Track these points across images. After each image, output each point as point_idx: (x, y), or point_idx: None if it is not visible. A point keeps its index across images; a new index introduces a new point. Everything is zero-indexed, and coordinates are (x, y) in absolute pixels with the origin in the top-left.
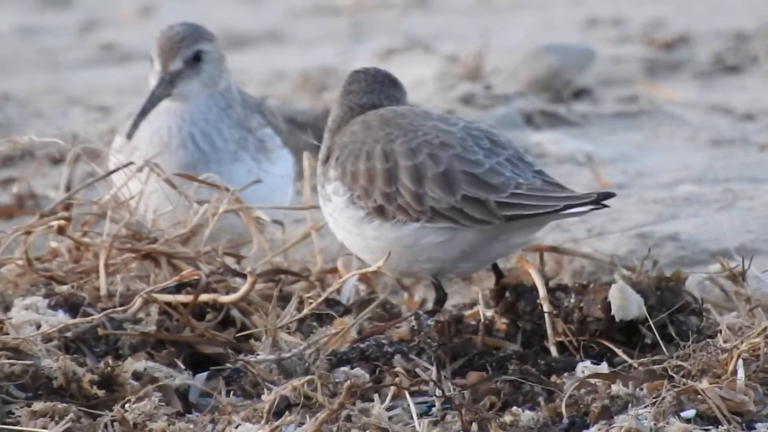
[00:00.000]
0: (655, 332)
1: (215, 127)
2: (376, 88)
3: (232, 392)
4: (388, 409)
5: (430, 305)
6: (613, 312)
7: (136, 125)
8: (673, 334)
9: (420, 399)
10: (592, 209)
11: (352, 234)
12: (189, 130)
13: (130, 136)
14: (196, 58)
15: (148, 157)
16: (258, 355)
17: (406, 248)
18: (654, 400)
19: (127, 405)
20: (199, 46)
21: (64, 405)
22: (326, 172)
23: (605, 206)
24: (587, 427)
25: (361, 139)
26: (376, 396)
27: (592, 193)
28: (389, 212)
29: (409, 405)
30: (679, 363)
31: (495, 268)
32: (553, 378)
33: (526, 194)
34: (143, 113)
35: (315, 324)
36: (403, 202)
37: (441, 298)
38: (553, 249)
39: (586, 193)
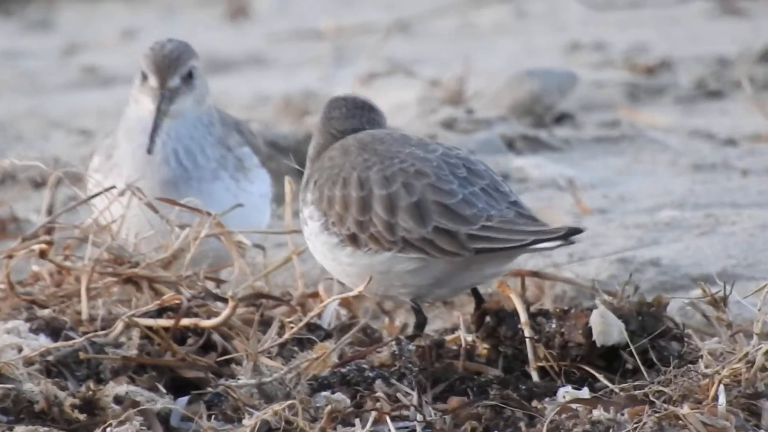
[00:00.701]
0: (636, 357)
1: (199, 144)
2: (357, 113)
3: (213, 416)
4: None
5: (410, 330)
6: (594, 337)
7: (153, 140)
8: (655, 360)
9: (401, 424)
10: (560, 245)
11: (327, 258)
12: (173, 147)
13: (150, 151)
14: (189, 75)
15: (130, 178)
16: (239, 379)
17: (380, 274)
18: (635, 425)
19: (108, 429)
20: (191, 62)
21: (46, 429)
22: (304, 196)
23: (572, 242)
24: None
25: (339, 164)
26: (357, 421)
27: (562, 228)
28: (362, 240)
29: (390, 430)
30: (661, 388)
31: (475, 293)
32: (534, 403)
33: (496, 227)
34: (157, 127)
35: (296, 348)
36: (376, 232)
37: (420, 322)
38: (534, 274)
39: (556, 228)
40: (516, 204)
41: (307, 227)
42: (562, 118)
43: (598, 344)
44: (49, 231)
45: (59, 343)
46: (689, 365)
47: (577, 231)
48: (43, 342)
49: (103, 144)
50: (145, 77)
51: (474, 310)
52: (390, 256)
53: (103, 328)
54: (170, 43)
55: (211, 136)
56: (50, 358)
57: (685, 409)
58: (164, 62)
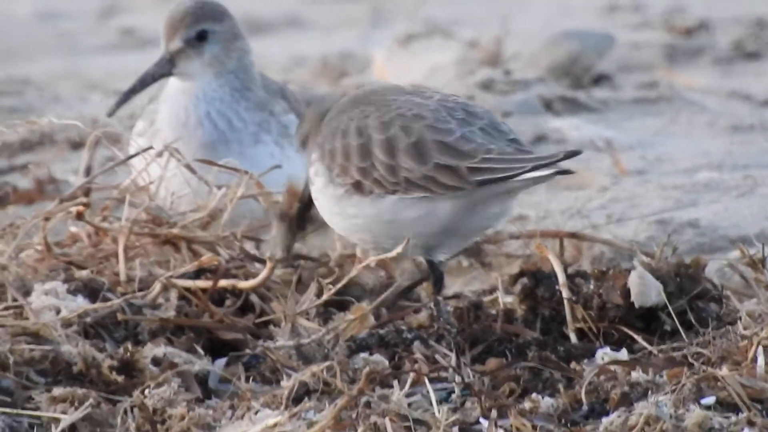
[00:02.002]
0: (675, 319)
1: (231, 107)
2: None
3: (251, 378)
4: (408, 395)
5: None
6: (632, 298)
7: (119, 103)
8: (693, 321)
9: (439, 385)
10: (559, 172)
11: (334, 213)
12: (205, 109)
13: (110, 114)
14: (200, 38)
15: (169, 141)
16: (277, 341)
17: (387, 224)
18: (674, 387)
19: (146, 391)
20: (202, 25)
21: (84, 390)
22: (309, 158)
23: (570, 172)
24: (607, 413)
25: (336, 120)
26: (395, 382)
27: (559, 153)
28: (366, 187)
29: (428, 391)
30: (699, 350)
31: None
32: (573, 365)
33: (496, 158)
34: (131, 91)
35: (334, 310)
36: (378, 176)
37: (438, 277)
38: (573, 235)
39: (553, 154)
40: (515, 141)
41: (314, 186)
42: (599, 80)
43: (637, 305)
44: (87, 192)
45: (97, 305)
46: (728, 327)
47: (575, 153)
48: (81, 303)
49: (147, 109)
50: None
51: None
52: (395, 200)
53: (140, 290)
54: (186, 4)
55: (246, 101)
56: (88, 319)
57: (723, 371)
58: (167, 23)
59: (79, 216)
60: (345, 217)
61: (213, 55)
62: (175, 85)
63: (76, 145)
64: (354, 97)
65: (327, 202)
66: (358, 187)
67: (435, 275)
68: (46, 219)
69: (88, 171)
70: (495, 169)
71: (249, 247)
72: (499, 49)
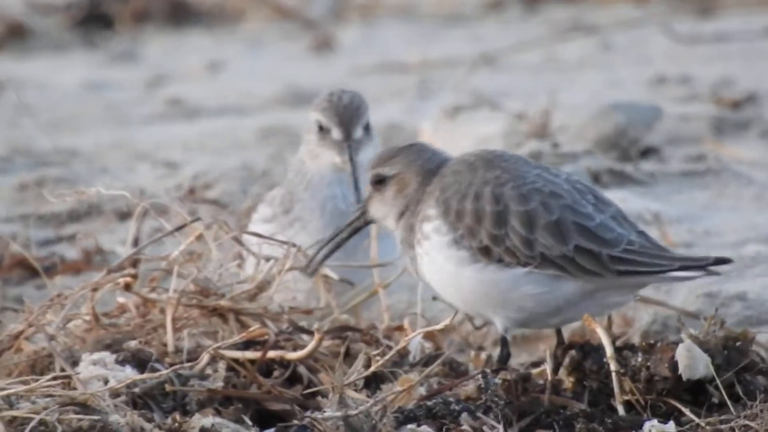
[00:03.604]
0: (723, 391)
1: None
2: (436, 149)
3: None
4: None
5: (494, 363)
6: (680, 371)
7: (358, 188)
8: (741, 394)
9: None
10: (705, 274)
11: (449, 273)
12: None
13: (359, 199)
14: (368, 125)
15: (317, 231)
16: (325, 412)
17: (501, 293)
18: None
19: None
20: (368, 112)
21: None
22: (423, 213)
23: (717, 273)
24: None
25: (467, 179)
26: None
27: (708, 257)
28: (495, 254)
29: None
30: (747, 423)
31: (558, 333)
32: None
33: (639, 251)
34: (357, 178)
35: (382, 381)
36: (512, 245)
37: (505, 356)
38: None
39: (702, 257)
40: (644, 234)
41: (427, 242)
42: (647, 152)
43: (684, 378)
44: (135, 263)
45: (145, 375)
46: None
47: (725, 261)
48: (129, 374)
49: (272, 195)
50: (324, 130)
51: (555, 347)
52: (523, 273)
53: (189, 360)
54: (346, 93)
55: None
56: (136, 389)
57: None
58: (347, 113)
59: (127, 287)
60: (458, 278)
61: (377, 141)
62: (317, 177)
63: (124, 216)
64: (483, 159)
65: (445, 262)
66: (486, 252)
67: (503, 353)
68: (94, 289)
69: (135, 242)
70: (638, 261)
71: (296, 318)
72: (547, 121)
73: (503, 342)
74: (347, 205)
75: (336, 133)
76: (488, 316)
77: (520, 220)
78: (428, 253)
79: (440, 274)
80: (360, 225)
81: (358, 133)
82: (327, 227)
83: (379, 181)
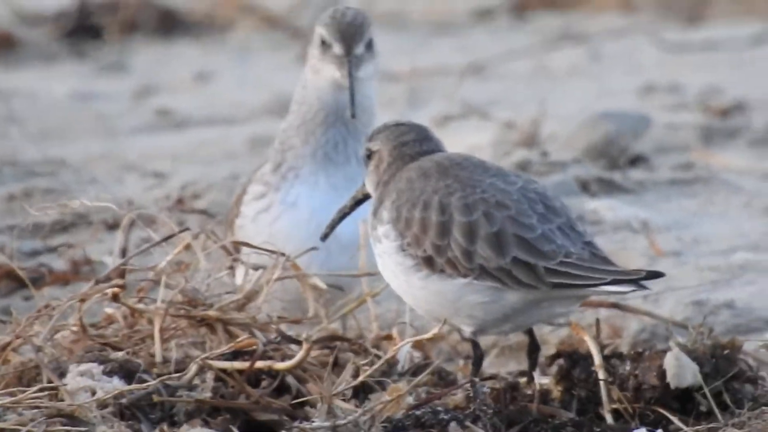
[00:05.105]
0: (711, 400)
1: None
2: (428, 137)
3: None
4: None
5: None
6: (668, 379)
7: (354, 101)
8: (729, 402)
9: None
10: (636, 289)
11: (399, 279)
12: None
13: (353, 114)
14: (370, 42)
15: (312, 175)
16: (313, 422)
17: (449, 302)
18: None
19: None
20: (371, 29)
21: None
22: (380, 214)
23: (646, 288)
24: None
25: (419, 187)
26: None
27: (640, 270)
28: (438, 264)
29: None
30: (734, 431)
31: (530, 334)
32: None
33: (575, 264)
34: (354, 91)
35: (371, 390)
36: (453, 257)
37: (478, 357)
38: (615, 305)
39: (634, 270)
40: (590, 245)
41: (380, 245)
42: (636, 161)
43: (673, 386)
44: (123, 273)
45: (133, 386)
46: (763, 408)
47: (657, 275)
48: (117, 385)
49: (260, 173)
50: (326, 45)
51: (527, 352)
52: (463, 284)
53: (176, 371)
54: (350, 10)
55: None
56: (124, 400)
57: None
58: (349, 30)
59: (115, 297)
60: (409, 285)
61: (378, 60)
62: (312, 94)
63: (112, 227)
64: (439, 165)
65: (394, 267)
66: (429, 262)
67: (475, 353)
68: (82, 300)
69: (123, 252)
70: (573, 275)
71: (284, 327)
72: (536, 130)
73: (473, 344)
74: (338, 154)
75: (337, 48)
76: (449, 321)
77: (462, 231)
78: (381, 255)
79: (395, 279)
80: (359, 197)
81: (359, 49)
82: (319, 171)
83: (368, 156)
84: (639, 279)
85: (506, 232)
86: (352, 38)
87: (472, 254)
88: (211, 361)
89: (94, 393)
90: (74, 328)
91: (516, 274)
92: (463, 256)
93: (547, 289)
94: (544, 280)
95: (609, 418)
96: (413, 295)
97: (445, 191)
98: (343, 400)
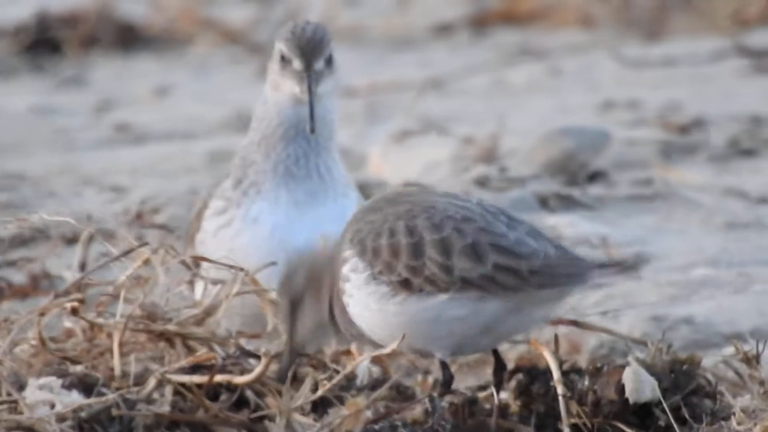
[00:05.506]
0: (669, 415)
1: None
2: None
3: None
4: None
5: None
6: (627, 394)
7: (313, 116)
8: (687, 417)
9: None
10: (626, 277)
11: (372, 310)
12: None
13: (313, 129)
14: (330, 58)
15: (275, 187)
16: None
17: (427, 323)
18: None
19: None
20: (331, 45)
21: None
22: (339, 262)
23: (639, 277)
24: None
25: (377, 218)
26: None
27: (626, 259)
28: (415, 285)
29: None
30: None
31: (495, 354)
32: None
33: (557, 263)
34: (313, 106)
35: (330, 405)
36: (431, 274)
37: (448, 380)
38: (574, 323)
39: (619, 259)
40: (560, 247)
41: (349, 282)
42: (595, 177)
43: (631, 401)
44: (82, 288)
45: (92, 400)
46: (722, 422)
47: (643, 261)
48: (76, 398)
49: (221, 188)
50: (286, 60)
51: (493, 371)
52: (444, 300)
53: (135, 385)
54: (310, 25)
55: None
56: (83, 414)
57: None
58: (309, 45)
59: (74, 312)
60: (383, 314)
61: (338, 75)
62: (273, 110)
63: (71, 241)
64: (385, 199)
65: (367, 299)
66: (405, 284)
67: (445, 376)
68: (41, 314)
69: (82, 266)
70: (556, 272)
71: (243, 341)
72: (495, 145)
73: (443, 365)
74: (299, 169)
75: (297, 64)
76: (423, 348)
77: (436, 248)
78: (351, 294)
79: (367, 311)
80: None
81: (319, 64)
82: (281, 186)
83: None
84: (627, 266)
85: (481, 242)
86: (312, 53)
87: (451, 267)
88: (170, 375)
89: (53, 406)
90: (33, 342)
91: (500, 280)
92: (442, 270)
93: (533, 291)
94: (529, 281)
95: None
96: (387, 323)
97: (408, 215)
98: (302, 414)
